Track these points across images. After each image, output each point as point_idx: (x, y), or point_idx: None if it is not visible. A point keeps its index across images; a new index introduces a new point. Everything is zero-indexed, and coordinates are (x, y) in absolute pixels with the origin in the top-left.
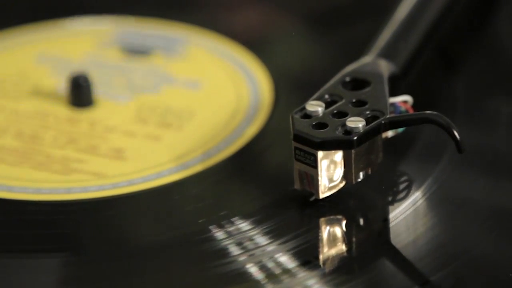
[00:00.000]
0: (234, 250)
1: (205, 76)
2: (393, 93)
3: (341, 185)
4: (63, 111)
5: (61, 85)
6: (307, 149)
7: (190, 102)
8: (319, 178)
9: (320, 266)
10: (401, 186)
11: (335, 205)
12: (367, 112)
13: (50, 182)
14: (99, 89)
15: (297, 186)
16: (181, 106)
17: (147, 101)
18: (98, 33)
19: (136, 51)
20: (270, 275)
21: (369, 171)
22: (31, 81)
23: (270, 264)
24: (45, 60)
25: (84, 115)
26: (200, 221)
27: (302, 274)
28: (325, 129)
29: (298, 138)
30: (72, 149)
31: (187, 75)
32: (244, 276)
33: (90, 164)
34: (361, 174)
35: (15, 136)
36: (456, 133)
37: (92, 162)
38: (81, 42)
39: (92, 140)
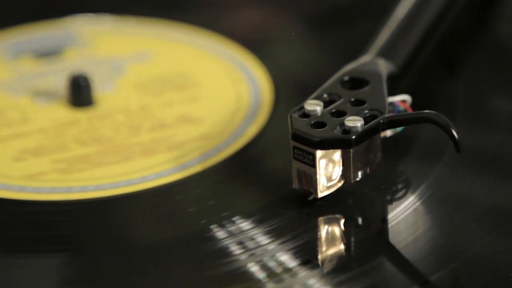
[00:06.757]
0: (234, 250)
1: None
2: (392, 93)
3: (340, 184)
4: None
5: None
6: (305, 148)
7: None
8: (318, 177)
9: (319, 265)
10: (400, 186)
11: (334, 205)
12: (366, 111)
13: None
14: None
15: (295, 185)
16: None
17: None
18: None
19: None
20: (270, 275)
21: (368, 171)
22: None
23: (270, 264)
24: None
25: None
26: (200, 221)
27: (301, 273)
28: (324, 128)
29: (296, 137)
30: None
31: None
32: (243, 275)
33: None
34: (359, 174)
35: None
36: (454, 133)
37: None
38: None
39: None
